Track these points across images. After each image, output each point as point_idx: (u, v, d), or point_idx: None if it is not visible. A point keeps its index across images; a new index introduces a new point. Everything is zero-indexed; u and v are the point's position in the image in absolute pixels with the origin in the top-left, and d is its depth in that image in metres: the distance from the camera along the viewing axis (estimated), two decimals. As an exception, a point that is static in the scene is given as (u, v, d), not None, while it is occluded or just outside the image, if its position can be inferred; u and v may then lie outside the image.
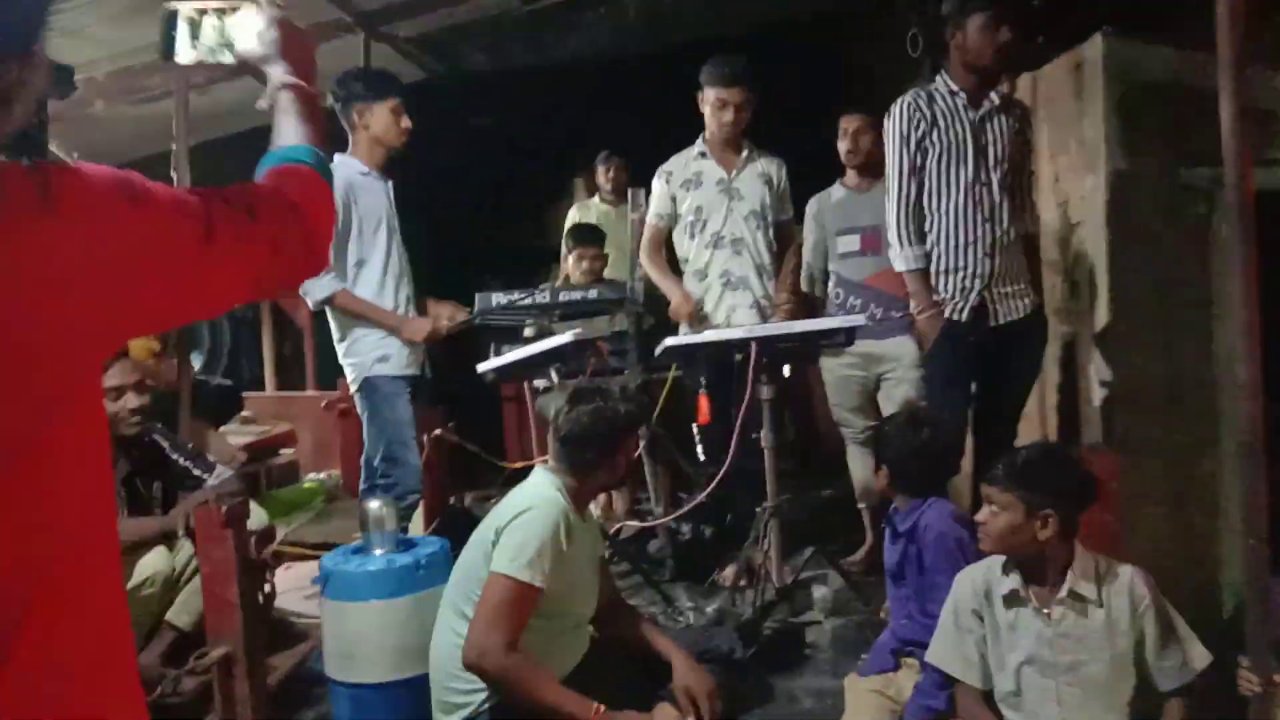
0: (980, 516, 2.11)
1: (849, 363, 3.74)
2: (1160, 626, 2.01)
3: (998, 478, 2.08)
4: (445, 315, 3.48)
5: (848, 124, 3.77)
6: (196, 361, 5.86)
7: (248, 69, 1.32)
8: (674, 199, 3.80)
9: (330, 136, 1.40)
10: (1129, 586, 2.02)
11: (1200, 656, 2.01)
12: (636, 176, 5.24)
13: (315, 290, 3.25)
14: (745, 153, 3.78)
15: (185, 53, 1.34)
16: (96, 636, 0.94)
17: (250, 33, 1.31)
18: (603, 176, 5.57)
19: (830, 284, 3.86)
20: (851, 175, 3.84)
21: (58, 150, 5.30)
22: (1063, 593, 2.04)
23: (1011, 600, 2.10)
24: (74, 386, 0.91)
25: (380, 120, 3.35)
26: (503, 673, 2.18)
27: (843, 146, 3.79)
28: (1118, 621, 2.01)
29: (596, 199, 5.68)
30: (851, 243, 3.73)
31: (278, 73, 1.29)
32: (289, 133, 1.25)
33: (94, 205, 0.92)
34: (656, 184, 3.86)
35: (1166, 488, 3.21)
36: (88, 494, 0.94)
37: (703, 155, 3.78)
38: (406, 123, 3.38)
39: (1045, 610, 2.06)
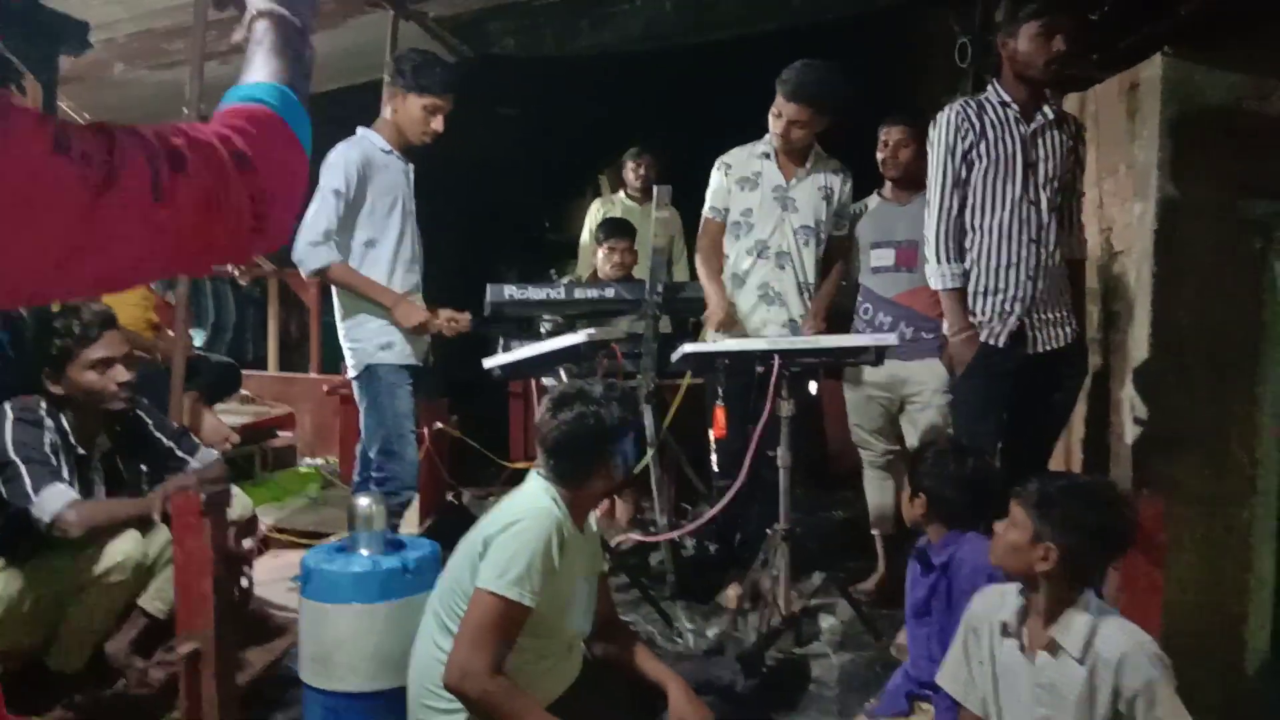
0: (997, 526, 2.01)
1: (873, 383, 3.57)
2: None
3: (1021, 491, 1.98)
4: (444, 318, 3.32)
5: (888, 134, 3.60)
6: (199, 338, 5.73)
7: None
8: (729, 193, 3.60)
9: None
10: (1120, 662, 1.81)
11: None
12: (664, 174, 5.11)
13: (310, 259, 3.11)
14: (810, 162, 3.57)
15: None
16: None
17: None
18: (631, 173, 5.43)
19: (858, 298, 3.69)
20: (889, 187, 3.68)
21: (70, 110, 5.19)
22: (1045, 638, 1.90)
23: (1005, 631, 1.99)
24: None
25: (408, 112, 3.23)
26: (484, 697, 2.03)
27: (881, 157, 3.63)
28: (1097, 691, 1.83)
29: (622, 195, 5.54)
30: (885, 257, 3.56)
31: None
32: (256, 68, 1.02)
33: None
34: (715, 176, 3.64)
35: (1198, 536, 3.06)
36: None
37: (766, 156, 3.57)
38: (437, 125, 3.25)
39: (1030, 653, 1.93)
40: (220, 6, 1.14)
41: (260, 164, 0.91)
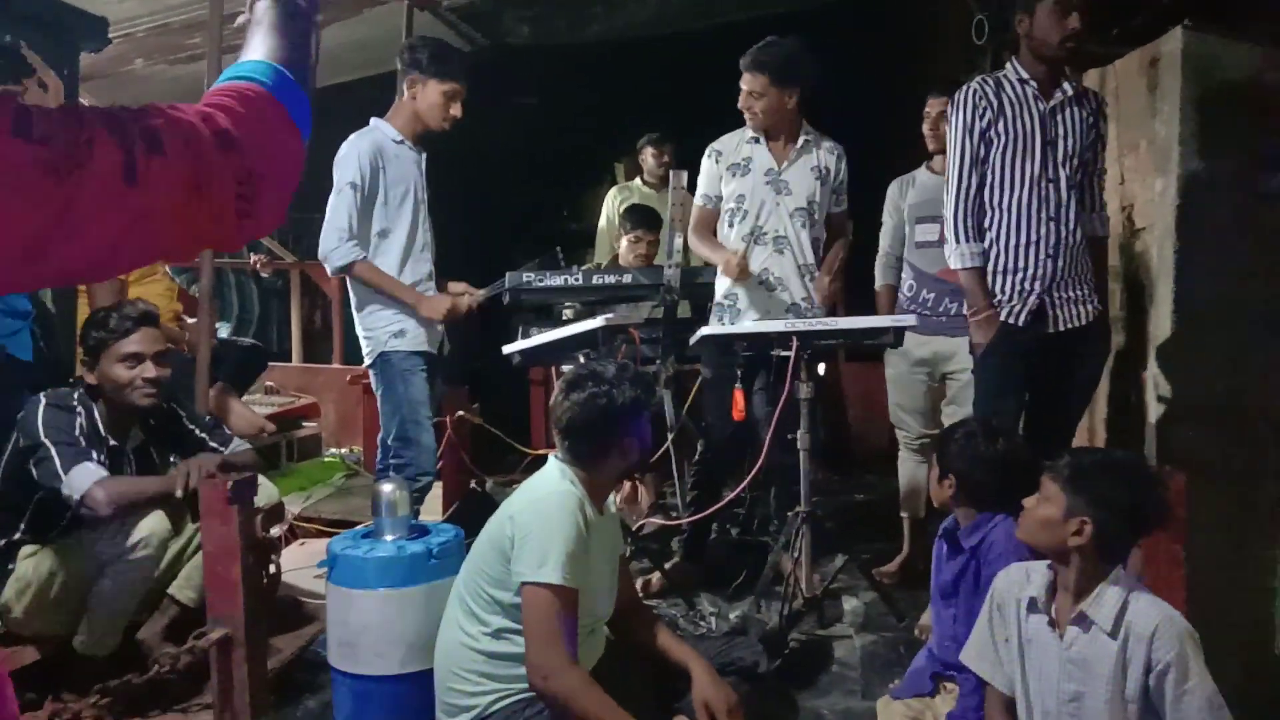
0: (1026, 501, 1.99)
1: (915, 359, 3.55)
2: (1178, 695, 1.77)
3: (1053, 466, 1.96)
4: (462, 291, 3.35)
5: (930, 106, 3.57)
6: (224, 331, 5.78)
7: None
8: (721, 180, 3.55)
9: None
10: (1153, 635, 1.80)
11: None
12: (680, 160, 5.10)
13: (335, 257, 3.14)
14: (801, 141, 3.50)
15: None
16: None
17: None
18: (653, 159, 5.40)
19: (903, 274, 3.67)
20: (937, 160, 3.62)
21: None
22: (1075, 612, 1.89)
23: (1032, 608, 1.98)
24: None
25: (429, 98, 3.23)
26: (570, 694, 2.03)
27: (925, 130, 3.60)
28: (1129, 664, 1.82)
29: (638, 182, 5.53)
30: (930, 232, 3.53)
31: None
32: (253, 47, 0.97)
33: None
34: (705, 163, 3.60)
35: (1224, 512, 3.03)
36: None
37: (756, 141, 3.50)
38: (456, 111, 3.26)
39: (1058, 629, 1.92)
40: None
41: (247, 143, 0.86)
